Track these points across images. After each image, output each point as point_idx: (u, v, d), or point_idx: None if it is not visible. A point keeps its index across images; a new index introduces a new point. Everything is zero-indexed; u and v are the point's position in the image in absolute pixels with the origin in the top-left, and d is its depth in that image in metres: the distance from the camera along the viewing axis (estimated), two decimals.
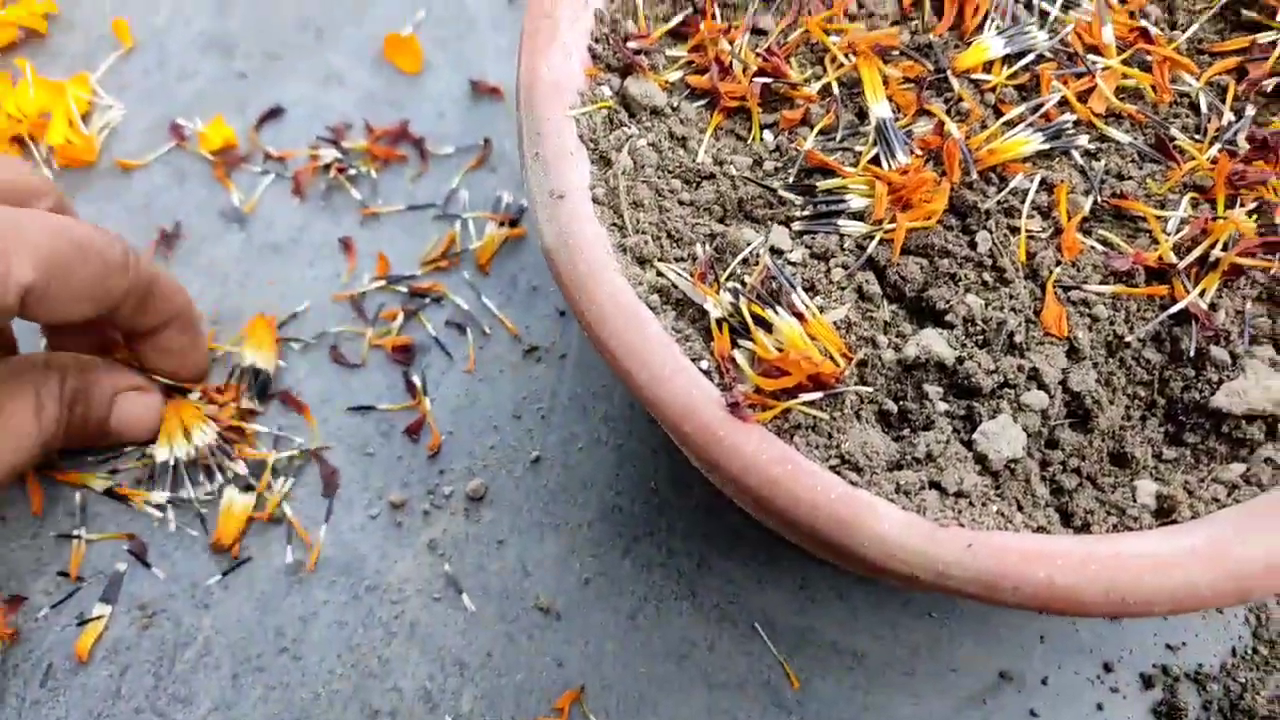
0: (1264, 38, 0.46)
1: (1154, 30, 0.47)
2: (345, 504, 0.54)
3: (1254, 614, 0.53)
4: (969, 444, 0.39)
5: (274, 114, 0.63)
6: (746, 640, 0.52)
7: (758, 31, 0.48)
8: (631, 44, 0.46)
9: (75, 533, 0.52)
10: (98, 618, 0.51)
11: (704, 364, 0.39)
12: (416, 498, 0.54)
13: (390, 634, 0.51)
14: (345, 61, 0.66)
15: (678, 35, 0.48)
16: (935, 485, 0.38)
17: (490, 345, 0.58)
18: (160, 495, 0.53)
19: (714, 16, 0.47)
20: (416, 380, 0.57)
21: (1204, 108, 0.46)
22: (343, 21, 0.67)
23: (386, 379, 0.57)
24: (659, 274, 0.41)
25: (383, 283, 0.59)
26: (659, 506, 0.54)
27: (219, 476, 0.53)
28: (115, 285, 0.45)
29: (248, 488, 0.53)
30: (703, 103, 0.45)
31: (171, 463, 0.53)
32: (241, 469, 0.53)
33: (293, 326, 0.58)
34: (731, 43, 0.46)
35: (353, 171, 0.62)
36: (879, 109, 0.44)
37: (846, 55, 0.45)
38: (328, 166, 0.61)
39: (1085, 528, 0.39)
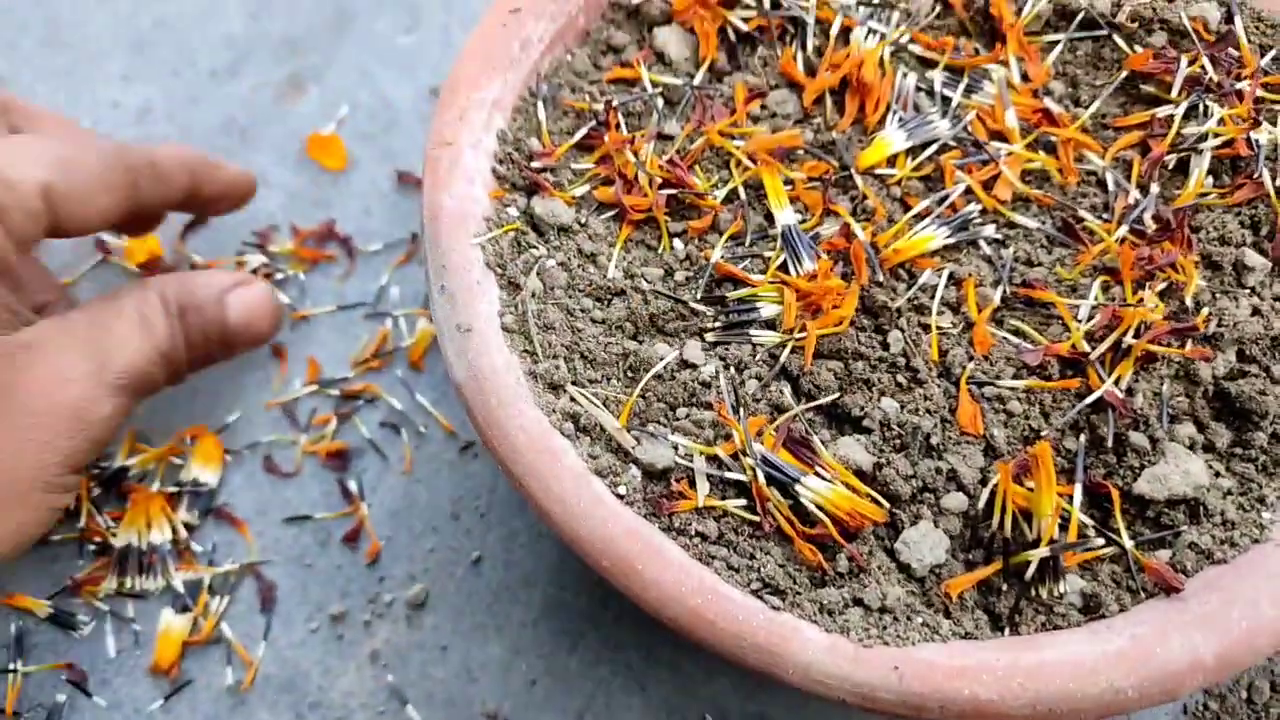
0: (1163, 112, 0.46)
1: (1057, 109, 0.48)
2: (284, 619, 0.53)
3: None
4: (892, 553, 0.39)
5: (197, 222, 0.62)
6: None
7: (664, 137, 0.48)
8: (535, 162, 0.46)
9: (11, 666, 0.52)
10: None
11: (621, 489, 0.39)
12: (357, 608, 0.54)
13: None
14: (269, 162, 0.65)
15: (583, 147, 0.48)
16: (859, 602, 0.37)
17: (426, 444, 0.58)
18: (109, 585, 0.53)
19: (618, 126, 0.47)
20: (353, 486, 0.56)
21: (1111, 185, 0.46)
22: (266, 121, 0.67)
23: (322, 486, 0.56)
24: (572, 399, 0.41)
25: (314, 387, 0.58)
26: (603, 599, 0.54)
27: (160, 580, 0.53)
28: (128, 163, 0.48)
29: (184, 608, 0.53)
30: (610, 215, 0.45)
31: (133, 547, 0.53)
32: (179, 586, 0.53)
33: (224, 437, 0.57)
34: (636, 153, 0.46)
35: (280, 275, 0.62)
36: (783, 216, 0.44)
37: (750, 160, 0.45)
38: (254, 271, 0.61)
39: (1014, 629, 0.38)
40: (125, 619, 0.53)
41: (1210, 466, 0.41)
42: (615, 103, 0.47)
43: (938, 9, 0.50)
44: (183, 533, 0.54)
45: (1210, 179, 0.45)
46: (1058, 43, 0.49)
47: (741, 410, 0.41)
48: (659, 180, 0.45)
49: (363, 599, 0.54)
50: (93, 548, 0.54)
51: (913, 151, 0.46)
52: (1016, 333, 0.43)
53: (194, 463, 0.56)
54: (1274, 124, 0.45)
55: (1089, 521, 0.40)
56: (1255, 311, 0.43)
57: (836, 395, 0.41)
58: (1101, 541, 0.40)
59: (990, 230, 0.44)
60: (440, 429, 0.58)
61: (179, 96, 0.68)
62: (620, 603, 0.54)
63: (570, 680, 0.52)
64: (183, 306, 0.50)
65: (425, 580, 0.54)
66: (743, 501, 0.39)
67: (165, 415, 0.58)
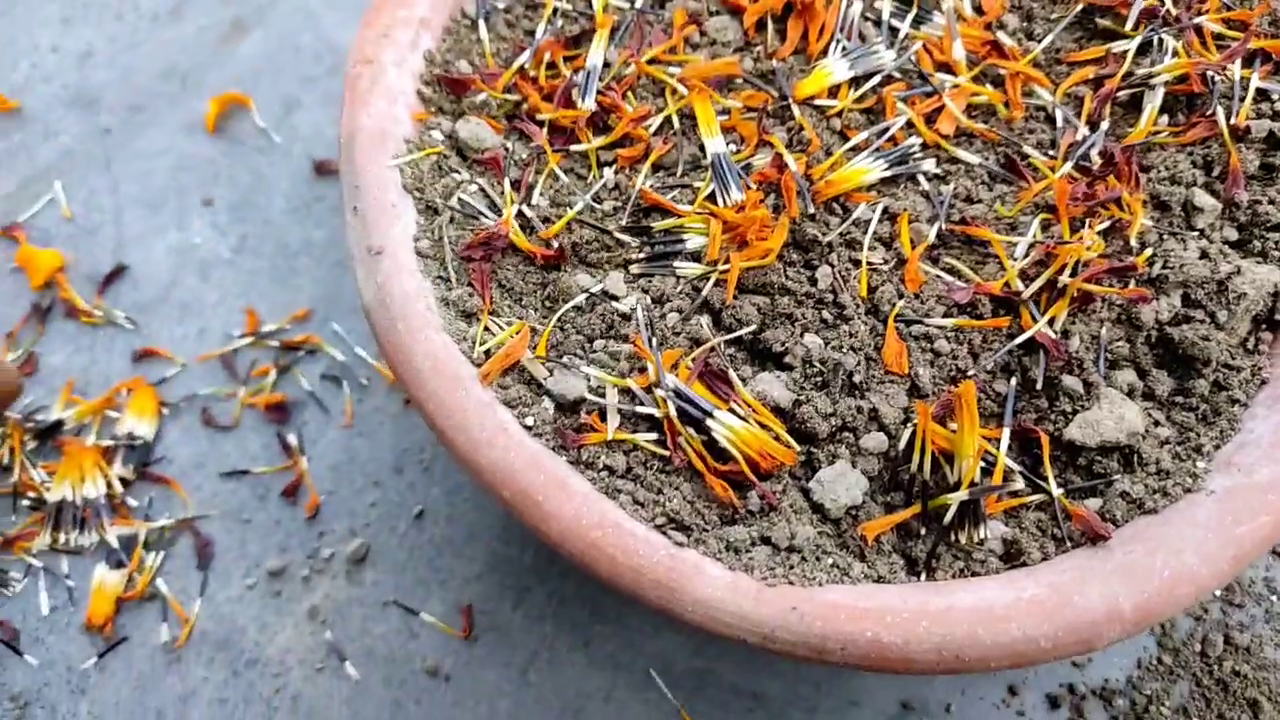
0: (1118, 46, 0.44)
1: (1009, 42, 0.45)
2: (221, 575, 0.52)
3: (1159, 623, 0.51)
4: (807, 492, 0.37)
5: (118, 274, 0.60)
6: (643, 688, 0.50)
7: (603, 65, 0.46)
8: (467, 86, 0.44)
9: None
10: None
11: (530, 420, 0.37)
12: (296, 563, 0.52)
13: (272, 709, 0.49)
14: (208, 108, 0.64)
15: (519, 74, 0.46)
16: (766, 540, 0.36)
17: (369, 397, 0.56)
18: (43, 541, 0.52)
19: (550, 59, 0.45)
20: (292, 439, 0.55)
21: (1059, 121, 0.44)
22: (207, 66, 0.65)
23: (261, 440, 0.55)
24: (485, 328, 0.39)
25: (253, 338, 0.57)
26: (550, 554, 0.52)
27: (94, 535, 0.52)
28: None
29: (119, 564, 0.51)
30: (536, 144, 0.44)
31: (68, 501, 0.52)
32: (114, 541, 0.52)
33: (161, 390, 0.56)
34: (576, 71, 0.44)
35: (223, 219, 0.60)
36: (713, 145, 0.42)
37: (685, 87, 0.44)
38: None
39: (930, 574, 0.37)
40: (59, 575, 0.52)
41: (1149, 415, 0.39)
42: (558, 21, 0.45)
43: None
44: (118, 487, 0.53)
45: (1165, 117, 0.43)
46: None
47: (658, 343, 0.39)
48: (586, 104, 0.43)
49: (301, 554, 0.53)
50: (26, 502, 0.53)
51: (855, 82, 0.44)
52: (951, 271, 0.41)
53: (129, 415, 0.54)
54: (1232, 59, 0.42)
55: (1016, 467, 0.38)
56: (1203, 255, 0.41)
57: (757, 329, 0.39)
58: (1027, 487, 0.38)
59: (930, 165, 0.43)
60: (383, 381, 0.57)
61: (120, 40, 0.66)
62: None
63: (514, 636, 0.51)
64: None
65: (366, 535, 0.53)
66: (654, 435, 0.38)
67: (102, 368, 0.56)
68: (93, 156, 0.62)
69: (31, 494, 0.53)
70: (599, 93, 0.44)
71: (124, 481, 0.53)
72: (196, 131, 0.63)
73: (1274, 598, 0.51)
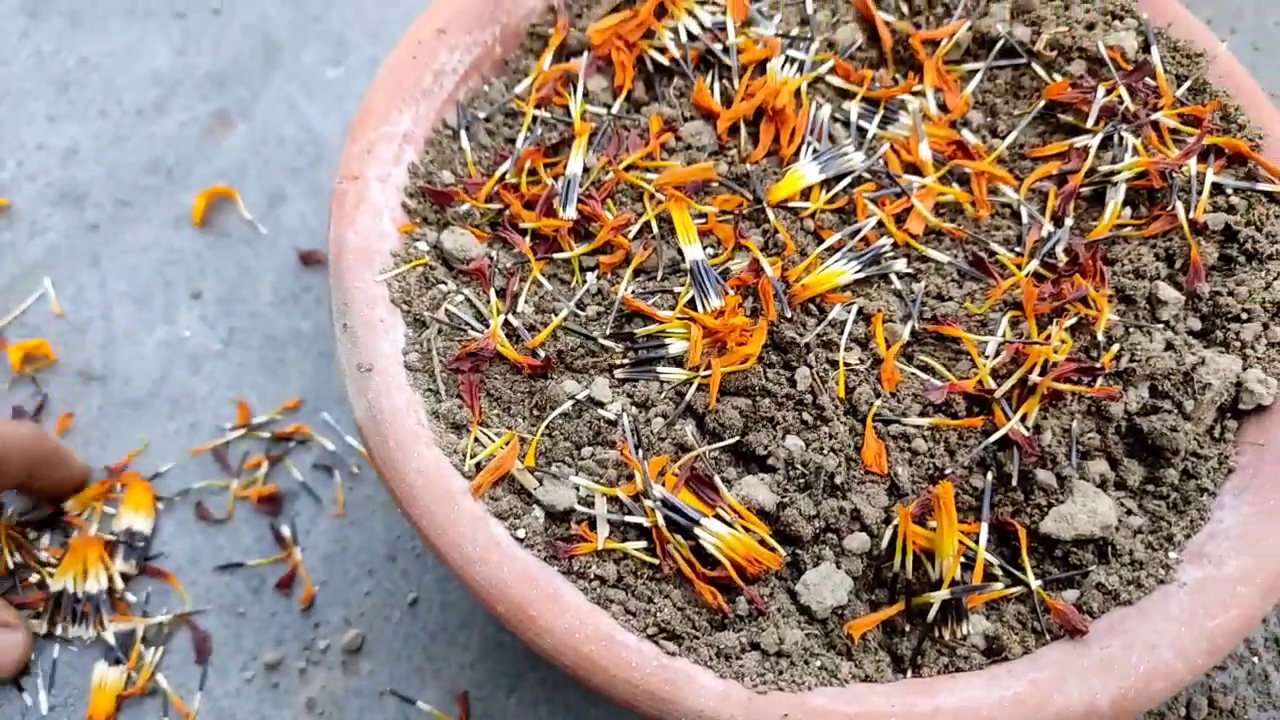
0: (1080, 141, 0.46)
1: (973, 140, 0.47)
2: (219, 669, 0.52)
3: None
4: (794, 595, 0.39)
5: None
6: None
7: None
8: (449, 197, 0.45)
9: None
10: None
11: (521, 532, 0.38)
12: (292, 655, 0.53)
13: None
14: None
15: (501, 182, 0.47)
16: (756, 646, 0.37)
17: (359, 485, 0.57)
18: (40, 625, 0.52)
19: (531, 167, 0.46)
20: (286, 530, 0.55)
21: (1024, 218, 0.45)
22: (192, 160, 0.66)
23: (254, 532, 0.56)
24: (475, 440, 0.40)
25: (244, 430, 0.58)
26: None
27: (92, 630, 0.52)
28: None
29: (117, 661, 0.52)
30: (520, 252, 0.45)
31: (68, 593, 0.52)
32: (111, 639, 0.52)
33: (156, 484, 0.56)
34: (556, 178, 0.46)
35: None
36: (691, 252, 0.43)
37: (662, 194, 0.45)
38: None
39: (916, 670, 0.38)
40: (58, 674, 0.52)
41: (1122, 504, 0.41)
42: (538, 129, 0.47)
43: (859, 41, 0.49)
44: (119, 582, 0.53)
45: (1128, 209, 0.45)
46: (977, 71, 0.49)
47: (643, 450, 0.40)
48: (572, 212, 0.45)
49: (297, 646, 0.53)
50: (35, 578, 0.54)
51: (827, 184, 0.46)
52: (925, 369, 0.42)
53: (126, 509, 0.55)
54: (1188, 156, 0.44)
55: (995, 561, 0.39)
56: (1169, 346, 0.42)
57: (740, 435, 0.40)
58: (1004, 584, 0.39)
59: (901, 264, 0.44)
60: (374, 470, 0.57)
61: (105, 136, 0.67)
62: None
63: None
64: None
65: (361, 625, 0.54)
66: (643, 544, 0.39)
67: (96, 464, 0.57)
68: (80, 253, 0.63)
69: (35, 575, 0.54)
70: (579, 200, 0.45)
71: (125, 577, 0.54)
72: (183, 225, 0.64)
73: (1255, 659, 0.53)
